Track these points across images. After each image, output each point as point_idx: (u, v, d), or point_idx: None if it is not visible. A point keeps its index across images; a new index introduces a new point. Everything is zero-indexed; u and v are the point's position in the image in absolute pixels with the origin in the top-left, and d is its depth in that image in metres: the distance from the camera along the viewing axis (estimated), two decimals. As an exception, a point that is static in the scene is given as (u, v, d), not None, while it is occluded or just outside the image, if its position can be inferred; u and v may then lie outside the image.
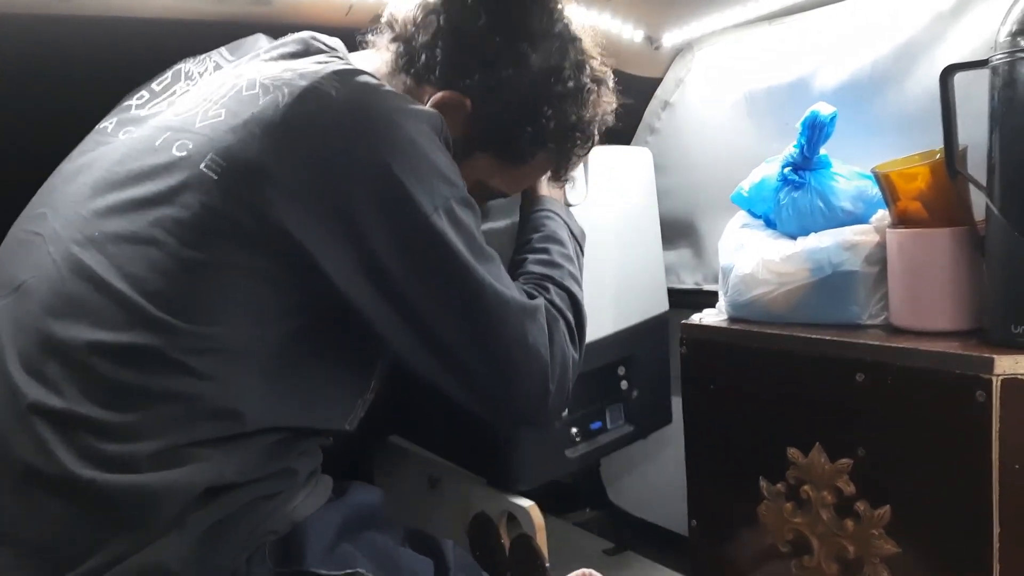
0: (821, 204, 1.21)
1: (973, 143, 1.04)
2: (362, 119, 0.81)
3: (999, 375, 0.90)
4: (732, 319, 1.26)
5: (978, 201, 1.02)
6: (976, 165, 1.02)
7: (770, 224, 1.30)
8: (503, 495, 1.35)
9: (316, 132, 0.79)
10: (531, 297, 0.93)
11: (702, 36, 1.65)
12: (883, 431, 1.02)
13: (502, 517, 1.36)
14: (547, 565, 1.27)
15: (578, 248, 1.14)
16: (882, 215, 1.15)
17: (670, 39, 1.66)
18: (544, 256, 1.04)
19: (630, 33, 1.60)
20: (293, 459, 0.86)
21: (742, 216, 1.34)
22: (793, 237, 1.23)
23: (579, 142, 1.03)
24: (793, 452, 1.12)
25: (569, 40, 0.98)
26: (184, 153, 0.81)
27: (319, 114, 0.80)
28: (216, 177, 0.78)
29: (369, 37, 1.01)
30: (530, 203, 1.17)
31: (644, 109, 1.77)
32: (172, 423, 0.76)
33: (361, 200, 0.79)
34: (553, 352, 0.91)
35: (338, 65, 0.86)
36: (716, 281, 1.62)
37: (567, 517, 2.17)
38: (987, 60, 0.97)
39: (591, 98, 1.01)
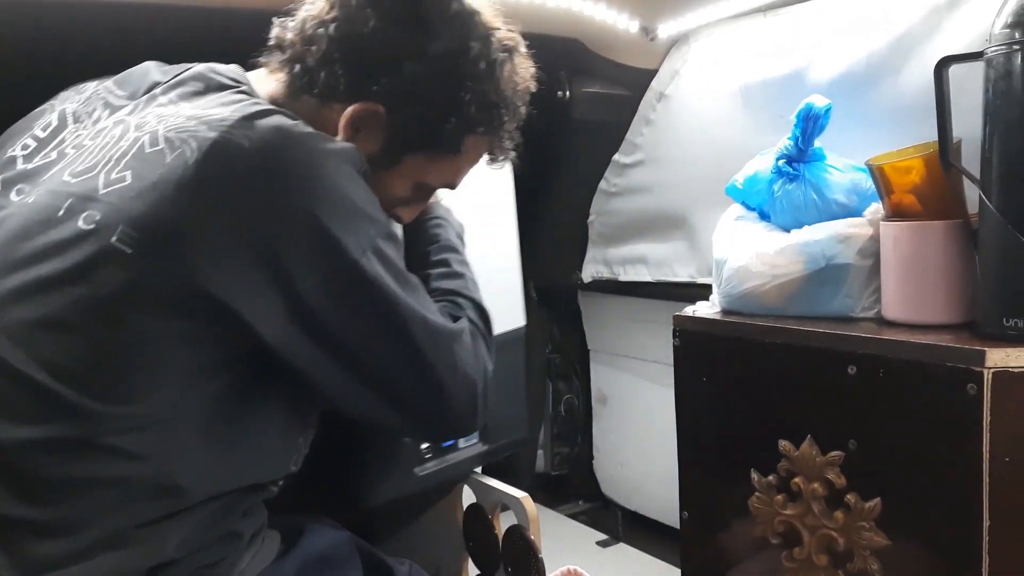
0: (815, 197, 1.20)
1: (967, 136, 1.04)
2: (279, 169, 0.78)
3: (990, 368, 0.90)
4: (725, 311, 1.26)
5: (971, 195, 1.02)
6: (970, 158, 1.01)
7: (764, 217, 1.30)
8: (496, 487, 1.35)
9: (232, 188, 0.76)
10: (454, 319, 0.93)
11: (698, 27, 1.65)
12: (875, 423, 1.02)
13: (495, 508, 1.37)
14: (540, 556, 1.27)
15: (463, 246, 1.13)
16: (876, 208, 1.15)
17: (665, 30, 1.66)
18: (446, 269, 1.03)
19: (625, 24, 1.60)
20: (237, 521, 0.85)
21: (736, 209, 1.34)
22: (787, 230, 1.23)
23: (506, 117, 0.98)
24: (785, 444, 1.12)
25: (467, 17, 0.94)
26: (92, 226, 0.76)
27: (233, 168, 0.76)
28: (130, 251, 0.74)
29: (260, 59, 0.96)
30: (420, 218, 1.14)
31: (639, 100, 1.77)
32: (111, 509, 0.74)
33: (287, 251, 0.76)
34: (479, 369, 0.92)
35: (245, 107, 0.82)
36: (710, 274, 1.62)
37: (560, 509, 2.18)
38: (982, 52, 0.96)
39: (506, 70, 0.96)
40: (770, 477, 1.14)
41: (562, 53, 1.72)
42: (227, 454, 0.81)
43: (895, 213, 1.11)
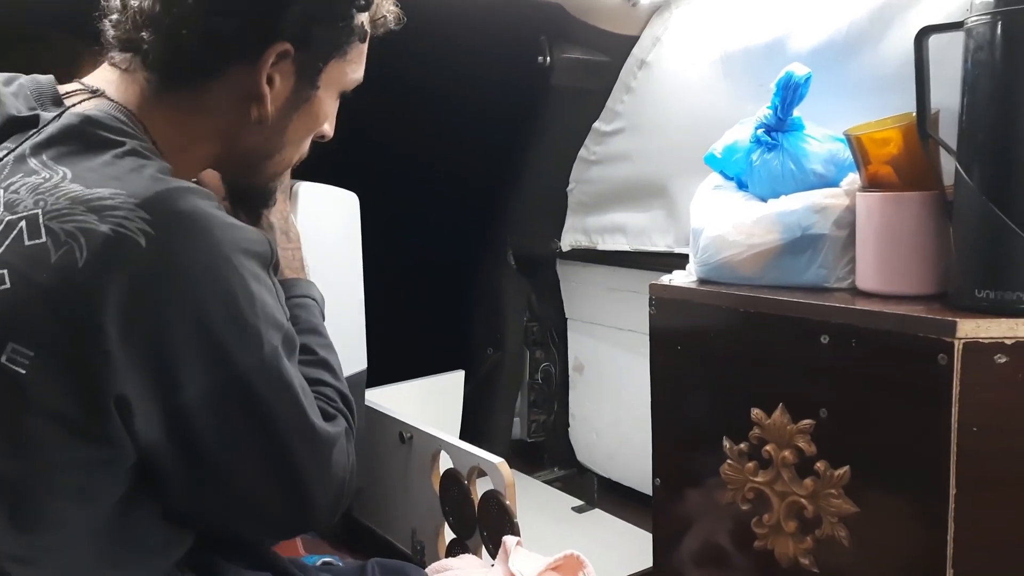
0: (793, 167, 1.20)
1: (946, 107, 1.03)
2: (177, 272, 0.71)
3: (961, 339, 0.91)
4: (702, 281, 1.27)
5: (948, 166, 1.03)
6: (948, 130, 1.01)
7: (742, 186, 1.30)
8: (473, 452, 1.35)
9: (127, 293, 0.68)
10: (328, 417, 0.87)
11: (680, -7, 1.63)
12: (845, 392, 1.03)
13: (472, 473, 1.37)
14: (516, 520, 1.28)
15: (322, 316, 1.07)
16: (853, 179, 1.15)
17: (648, -4, 1.64)
18: (312, 357, 0.95)
19: (607, -12, 1.58)
20: None
21: (715, 178, 1.34)
22: (764, 200, 1.23)
23: None
24: (757, 413, 1.13)
25: None
26: None
27: (128, 271, 0.68)
28: (24, 372, 0.67)
29: (115, 58, 0.85)
30: (291, 282, 1.07)
31: (621, 67, 1.75)
32: None
33: (176, 357, 0.71)
34: (348, 467, 0.88)
35: (137, 183, 0.72)
36: (688, 244, 1.62)
37: (536, 476, 2.20)
38: (962, 22, 0.96)
39: None
40: (742, 445, 1.15)
41: (543, 18, 1.70)
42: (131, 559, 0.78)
43: (872, 184, 1.11)
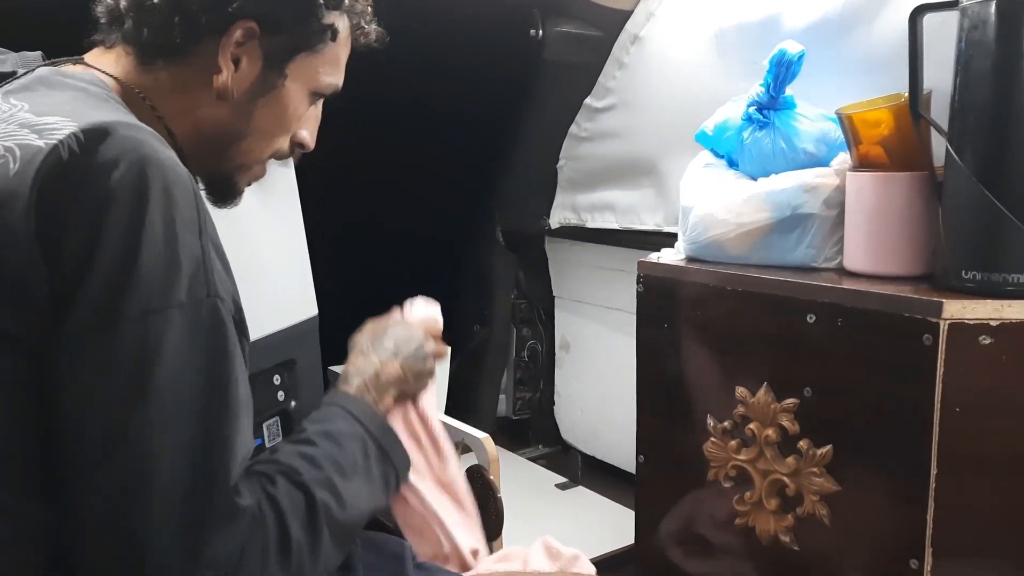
0: (784, 145, 1.20)
1: (938, 88, 1.03)
2: (104, 194, 0.69)
3: (946, 319, 0.91)
4: (690, 259, 1.26)
5: (939, 148, 1.02)
6: (939, 111, 1.01)
7: (733, 165, 1.29)
8: (458, 427, 1.35)
9: (47, 207, 0.68)
10: (247, 494, 0.71)
11: (676, -33, 1.62)
12: (830, 372, 1.03)
13: (456, 448, 1.37)
14: (499, 496, 1.28)
15: (381, 468, 0.87)
16: (843, 158, 1.15)
17: (643, -31, 1.63)
18: (306, 449, 0.80)
19: (602, -38, 1.57)
20: None
21: (705, 156, 1.33)
22: (755, 178, 1.23)
23: None
24: (741, 391, 1.13)
25: None
26: None
27: (47, 179, 0.68)
28: None
29: (96, 38, 0.89)
30: (329, 395, 0.94)
31: (613, 42, 1.74)
32: None
33: (82, 280, 0.67)
34: (240, 570, 0.67)
35: (85, 114, 0.73)
36: (677, 223, 1.62)
37: (521, 453, 2.20)
38: (957, 1, 0.95)
39: None
40: (725, 423, 1.15)
41: (536, -9, 1.68)
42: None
43: (862, 164, 1.11)
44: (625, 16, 1.70)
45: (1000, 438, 0.93)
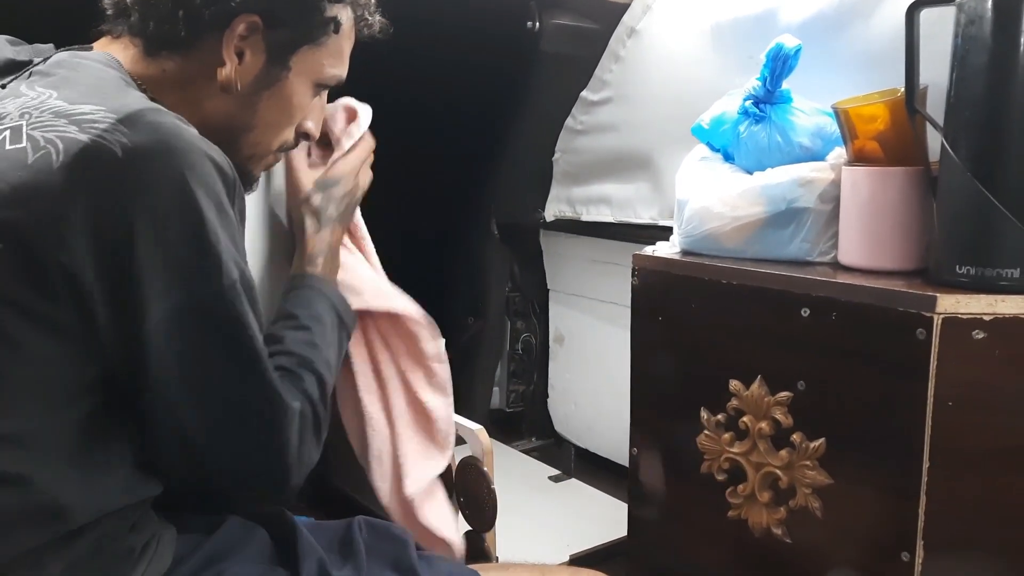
0: (780, 139, 1.20)
1: (934, 83, 1.03)
2: (152, 184, 0.73)
3: (940, 314, 0.91)
4: (685, 252, 1.26)
5: (934, 143, 1.02)
6: (935, 106, 1.01)
7: (728, 158, 1.29)
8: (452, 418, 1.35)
9: (100, 199, 0.72)
10: (288, 391, 0.87)
11: (673, -40, 1.62)
12: (824, 365, 1.03)
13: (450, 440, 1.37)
14: (493, 487, 1.28)
15: (344, 333, 1.07)
16: (839, 153, 1.15)
17: (640, -38, 1.63)
18: (306, 335, 0.98)
19: (599, -46, 1.57)
20: (123, 538, 0.81)
21: (701, 149, 1.33)
22: (750, 172, 1.23)
23: None
24: (735, 384, 1.13)
25: None
26: None
27: (102, 178, 0.72)
28: None
29: (103, 28, 0.92)
30: (292, 277, 1.10)
31: (610, 35, 1.73)
32: None
33: (144, 273, 0.73)
34: (301, 456, 0.87)
35: (119, 103, 0.76)
36: (671, 216, 1.62)
37: (514, 445, 2.20)
38: (954, -3, 0.96)
39: None
40: (719, 416, 1.16)
41: (533, -18, 1.68)
42: (105, 476, 0.78)
43: (858, 158, 1.11)
44: (622, 9, 1.71)
45: (992, 432, 0.93)
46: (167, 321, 0.75)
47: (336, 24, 0.94)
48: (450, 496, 1.37)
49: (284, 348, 0.95)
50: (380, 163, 1.90)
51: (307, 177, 1.17)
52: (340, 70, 1.00)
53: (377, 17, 1.02)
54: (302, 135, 1.02)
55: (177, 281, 0.75)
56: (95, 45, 0.92)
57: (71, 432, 0.75)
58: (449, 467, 1.37)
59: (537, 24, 1.73)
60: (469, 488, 1.33)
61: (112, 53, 0.89)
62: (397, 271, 1.47)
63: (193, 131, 0.79)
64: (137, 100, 0.79)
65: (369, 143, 1.23)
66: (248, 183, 1.03)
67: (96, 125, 0.73)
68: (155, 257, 0.73)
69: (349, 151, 1.17)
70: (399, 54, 1.74)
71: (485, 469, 1.30)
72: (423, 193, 2.12)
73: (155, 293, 0.74)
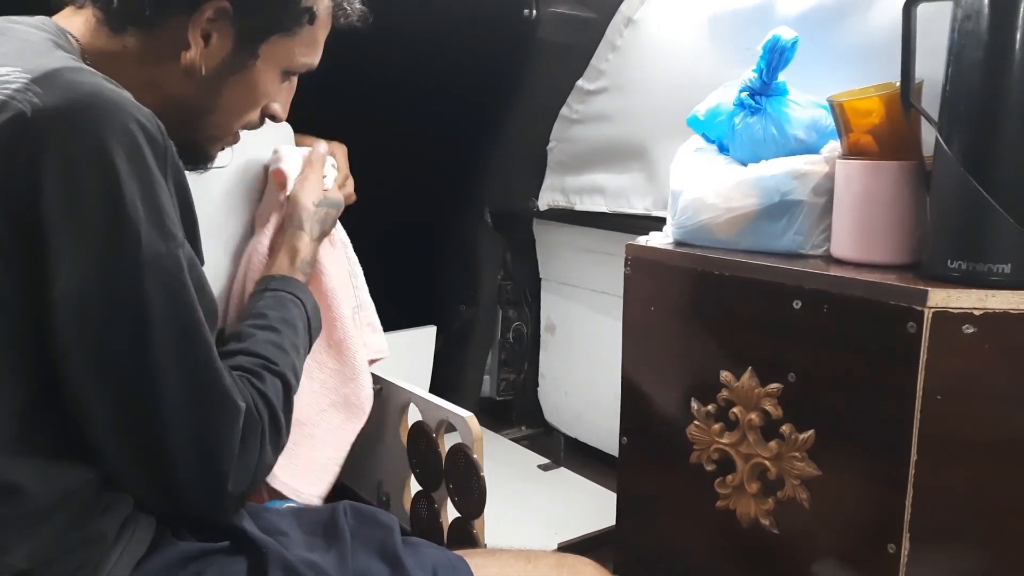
0: (775, 131, 1.20)
1: (929, 78, 1.03)
2: (64, 150, 0.70)
3: (931, 307, 0.92)
4: (678, 243, 1.27)
5: (928, 137, 1.03)
6: (930, 101, 1.01)
7: (723, 150, 1.29)
8: (443, 406, 1.35)
9: (9, 161, 0.69)
10: (236, 394, 0.82)
11: (671, -50, 1.61)
12: (815, 358, 1.04)
13: (440, 427, 1.37)
14: (482, 475, 1.28)
15: (309, 340, 1.08)
16: (833, 146, 1.15)
17: (638, -48, 1.62)
18: (274, 337, 0.95)
19: (597, -57, 1.56)
20: (96, 520, 0.78)
21: (696, 140, 1.33)
22: (745, 164, 1.23)
23: None
24: (726, 375, 1.13)
25: None
26: None
27: (10, 139, 0.68)
28: None
29: None
30: (273, 278, 1.10)
31: (607, 24, 1.73)
32: None
33: (59, 236, 0.69)
34: (245, 461, 0.82)
35: (37, 62, 0.72)
36: (666, 208, 1.62)
37: (504, 434, 2.21)
38: (951, -8, 0.96)
39: None
40: (709, 406, 1.16)
41: (530, -30, 1.67)
42: (61, 457, 0.75)
43: (852, 151, 1.11)
44: (619, -2, 1.70)
45: (980, 425, 0.94)
46: (75, 292, 0.70)
47: (311, 15, 0.92)
48: (439, 483, 1.37)
49: (247, 347, 0.92)
50: (372, 150, 1.90)
51: (315, 189, 1.23)
52: (312, 59, 0.97)
53: (356, 4, 0.99)
54: (268, 117, 1.00)
55: (86, 246, 0.71)
56: (57, 16, 0.88)
57: (18, 413, 0.72)
58: (439, 454, 1.38)
59: (534, 12, 1.73)
60: (458, 475, 1.33)
61: (73, 27, 0.86)
62: (390, 258, 1.48)
63: (120, 92, 0.74)
64: (59, 59, 0.75)
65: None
66: (204, 161, 1.00)
67: (8, 86, 0.70)
68: (61, 217, 0.69)
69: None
70: (394, 40, 1.74)
71: (475, 456, 1.30)
72: (416, 180, 2.11)
73: (62, 259, 0.70)
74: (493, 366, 2.26)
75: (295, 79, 1.01)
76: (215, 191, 1.29)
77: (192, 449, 0.78)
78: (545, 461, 1.99)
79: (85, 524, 0.77)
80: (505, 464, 1.97)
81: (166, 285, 0.74)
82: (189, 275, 0.77)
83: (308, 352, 1.09)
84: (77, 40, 0.85)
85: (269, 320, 0.99)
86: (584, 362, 2.01)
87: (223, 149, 1.02)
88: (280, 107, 1.00)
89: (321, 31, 0.97)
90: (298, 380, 0.97)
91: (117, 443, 0.76)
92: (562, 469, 1.96)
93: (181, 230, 0.78)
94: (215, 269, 1.28)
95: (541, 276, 2.16)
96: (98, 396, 0.74)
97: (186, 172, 0.89)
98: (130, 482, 0.81)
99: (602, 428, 1.93)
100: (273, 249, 1.23)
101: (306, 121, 1.38)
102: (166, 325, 0.74)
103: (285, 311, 1.03)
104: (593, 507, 1.69)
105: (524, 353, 2.23)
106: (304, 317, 1.07)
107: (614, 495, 1.36)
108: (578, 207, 1.91)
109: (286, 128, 1.36)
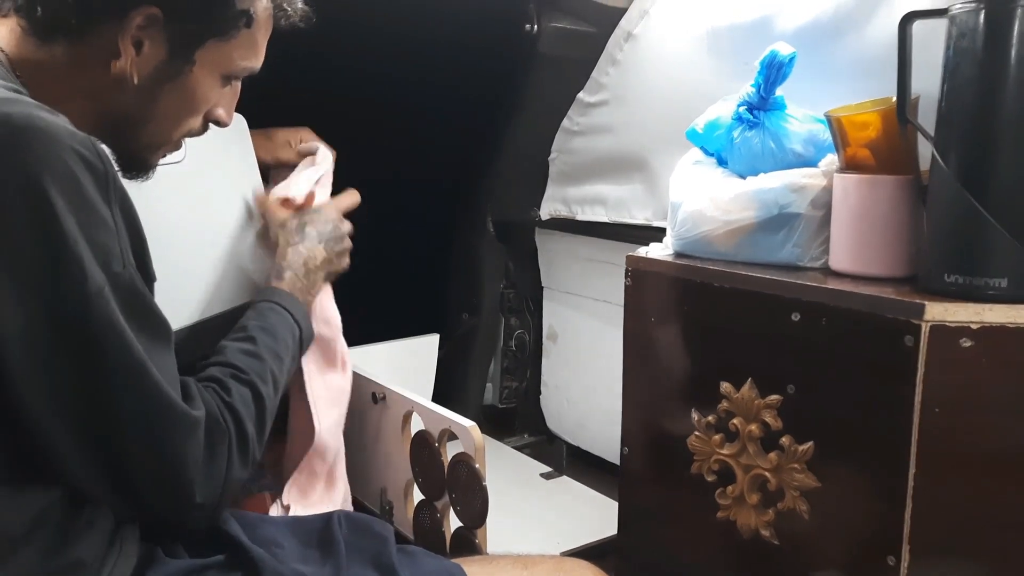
0: (773, 145, 1.21)
1: (926, 94, 1.04)
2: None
3: (928, 321, 0.93)
4: (678, 254, 1.28)
5: (925, 152, 1.04)
6: (926, 116, 1.02)
7: (722, 163, 1.30)
8: (445, 415, 1.36)
9: None
10: (189, 401, 0.81)
11: (670, -35, 1.63)
12: (814, 370, 1.05)
13: (443, 436, 1.38)
14: (484, 484, 1.29)
15: (299, 348, 1.07)
16: (831, 160, 1.17)
17: (638, -33, 1.64)
18: (248, 346, 0.95)
19: (597, -42, 1.58)
20: (75, 543, 0.77)
21: (695, 153, 1.34)
22: (743, 177, 1.24)
23: None
24: (726, 386, 1.14)
25: None
26: None
27: None
28: None
29: None
30: (272, 286, 1.11)
31: (607, 39, 1.75)
32: None
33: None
34: (211, 471, 0.81)
35: None
36: (665, 217, 1.63)
37: (506, 441, 2.21)
38: (946, 9, 0.97)
39: None
40: (710, 417, 1.17)
41: (532, -15, 1.69)
42: (24, 481, 0.74)
43: (849, 166, 1.12)
44: (619, 13, 1.72)
45: (978, 438, 0.95)
46: (23, 335, 0.69)
47: (248, 18, 0.89)
48: (442, 492, 1.38)
49: (219, 359, 0.92)
50: (376, 160, 1.92)
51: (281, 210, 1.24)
52: (253, 62, 0.94)
53: (298, 4, 0.96)
54: (212, 122, 0.97)
55: (28, 290, 0.69)
56: None
57: None
58: (441, 463, 1.38)
59: (535, 27, 1.74)
60: (461, 484, 1.34)
61: None
62: (393, 267, 1.49)
63: (53, 120, 0.72)
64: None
65: (354, 198, 1.33)
66: (144, 170, 0.97)
67: None
68: (2, 270, 0.68)
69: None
70: (398, 53, 1.75)
71: (477, 466, 1.31)
72: (419, 190, 2.13)
73: (4, 302, 0.68)
74: (495, 374, 2.27)
75: (238, 83, 0.98)
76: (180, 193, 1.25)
77: (153, 465, 0.78)
78: (547, 469, 2.00)
79: (64, 548, 0.76)
80: (507, 472, 1.98)
81: (109, 317, 0.73)
82: (135, 302, 0.76)
83: (298, 355, 1.10)
84: (3, 51, 0.82)
85: (248, 331, 0.99)
86: (586, 370, 2.02)
87: (163, 156, 0.99)
88: (224, 112, 0.97)
89: (261, 33, 0.93)
90: (274, 385, 0.96)
91: (80, 464, 0.76)
92: (564, 477, 1.97)
93: (126, 254, 0.76)
94: (191, 265, 1.26)
95: (543, 284, 2.17)
96: (55, 424, 0.73)
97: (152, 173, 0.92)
98: (103, 498, 0.81)
99: (604, 436, 1.94)
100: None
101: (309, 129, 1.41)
102: (113, 355, 0.73)
103: (263, 319, 1.03)
104: (595, 516, 1.70)
105: (526, 361, 2.24)
106: (288, 323, 1.06)
107: (616, 504, 1.37)
108: (579, 217, 1.92)
109: (239, 120, 1.32)
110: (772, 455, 1.09)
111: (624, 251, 1.33)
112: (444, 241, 2.25)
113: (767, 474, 1.10)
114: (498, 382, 2.27)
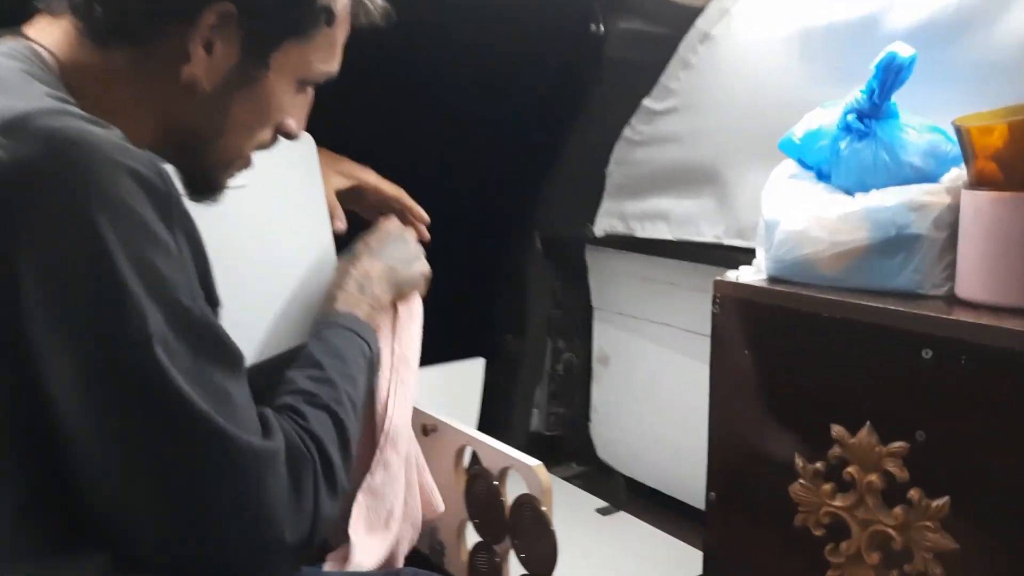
0: (887, 157, 1.09)
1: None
2: (39, 213, 0.60)
3: (1097, 363, 0.80)
4: (772, 279, 1.15)
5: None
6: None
7: (822, 177, 1.18)
8: (504, 452, 1.25)
9: None
10: (267, 431, 0.74)
11: (755, -40, 1.51)
12: (949, 414, 0.92)
13: (503, 474, 1.27)
14: (553, 529, 1.18)
15: (371, 367, 1.00)
16: (956, 174, 1.04)
17: (717, -38, 1.53)
18: (317, 372, 0.88)
19: (672, -47, 1.47)
20: None
21: (790, 166, 1.22)
22: (850, 192, 1.12)
23: None
24: (838, 430, 1.02)
25: None
26: None
27: None
28: None
29: (39, 4, 0.77)
30: (326, 311, 1.02)
31: (679, 41, 1.63)
32: None
33: (44, 325, 0.61)
34: (301, 504, 0.74)
35: (13, 103, 0.62)
36: (739, 235, 1.51)
37: (553, 471, 2.09)
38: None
39: None
40: (817, 464, 1.04)
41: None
42: (61, 552, 0.67)
43: (980, 181, 1.00)
44: (695, 13, 1.60)
45: None
46: (73, 385, 0.62)
47: (329, 15, 0.81)
48: (503, 535, 1.27)
49: (289, 387, 0.85)
50: (420, 170, 1.82)
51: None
52: (331, 65, 0.86)
53: (379, 1, 0.88)
54: (282, 134, 0.88)
55: (77, 337, 0.62)
56: (31, 27, 0.77)
57: (12, 511, 0.64)
58: (502, 503, 1.27)
59: (601, 28, 1.63)
60: (525, 528, 1.23)
61: (49, 39, 0.75)
62: (434, 284, 1.39)
63: (106, 135, 0.64)
64: (34, 98, 0.65)
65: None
66: (213, 191, 0.89)
67: None
68: (46, 308, 0.60)
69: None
70: (448, 53, 1.65)
71: (544, 509, 1.20)
72: (464, 203, 2.02)
73: (51, 351, 0.61)
74: (542, 400, 2.15)
75: (311, 90, 0.89)
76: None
77: (238, 510, 0.71)
78: (603, 504, 1.88)
79: None
80: (560, 506, 1.84)
81: (165, 370, 0.65)
82: (204, 334, 0.69)
83: (373, 374, 1.03)
84: (54, 55, 0.74)
85: (312, 358, 0.92)
86: (641, 397, 1.90)
87: (233, 175, 0.90)
88: (295, 123, 0.88)
89: (340, 33, 0.85)
90: (355, 407, 0.90)
91: (155, 523, 0.69)
92: (622, 513, 1.84)
93: (193, 284, 0.69)
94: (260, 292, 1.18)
95: (593, 305, 2.06)
96: (129, 482, 0.67)
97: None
98: (180, 562, 0.72)
99: (662, 468, 1.82)
100: None
101: (351, 143, 1.30)
102: (174, 408, 0.66)
103: (325, 344, 0.95)
104: (665, 558, 1.57)
105: (575, 386, 2.12)
106: (356, 343, 0.98)
107: (685, 545, 1.26)
108: (639, 234, 1.80)
109: (307, 140, 1.22)
110: (897, 510, 0.96)
111: (687, 270, 1.22)
112: (488, 258, 2.14)
113: (891, 531, 0.97)
114: (544, 408, 2.15)
